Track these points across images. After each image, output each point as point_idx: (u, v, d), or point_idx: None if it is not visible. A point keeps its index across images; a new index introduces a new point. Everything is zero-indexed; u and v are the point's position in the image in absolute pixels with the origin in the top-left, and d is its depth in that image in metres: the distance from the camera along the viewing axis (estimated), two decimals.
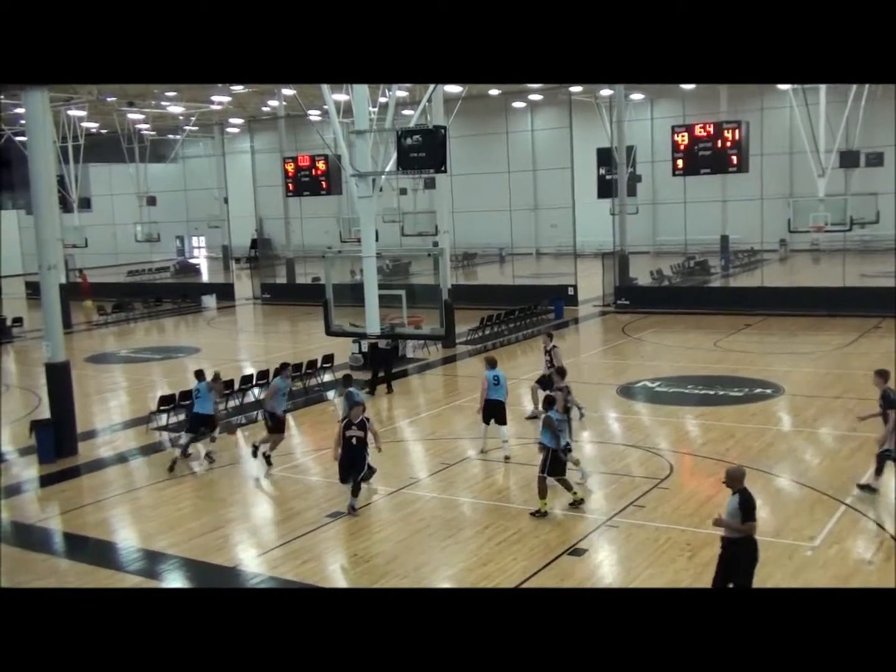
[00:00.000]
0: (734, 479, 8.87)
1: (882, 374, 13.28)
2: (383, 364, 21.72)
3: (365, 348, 22.81)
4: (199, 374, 16.58)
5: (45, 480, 15.76)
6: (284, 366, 16.74)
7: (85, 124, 44.34)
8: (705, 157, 26.13)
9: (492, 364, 15.95)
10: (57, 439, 16.78)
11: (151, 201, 48.02)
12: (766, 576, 10.42)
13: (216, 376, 16.80)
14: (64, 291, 24.09)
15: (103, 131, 52.33)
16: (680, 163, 26.77)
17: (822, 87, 28.42)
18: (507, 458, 15.39)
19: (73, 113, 41.55)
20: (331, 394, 21.78)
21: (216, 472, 15.92)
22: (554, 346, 17.90)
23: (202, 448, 16.37)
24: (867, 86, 31.10)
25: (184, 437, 16.48)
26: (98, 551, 12.63)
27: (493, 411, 15.58)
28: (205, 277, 56.00)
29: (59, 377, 17.25)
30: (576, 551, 11.54)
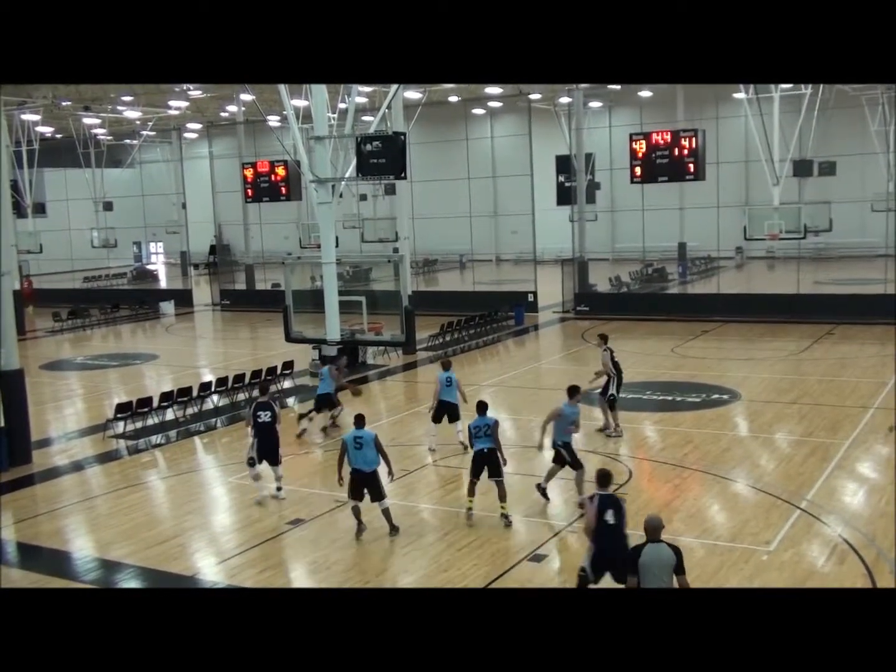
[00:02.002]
0: (649, 530, 8.08)
1: None
2: None
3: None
4: (324, 360, 18.36)
5: None
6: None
7: (40, 128, 43.74)
8: (663, 165, 26.38)
9: (445, 366, 16.55)
10: (10, 448, 16.51)
11: (108, 207, 47.47)
12: (723, 580, 10.55)
13: (339, 365, 18.58)
14: (18, 298, 23.73)
15: (58, 136, 51.64)
16: (638, 170, 26.99)
17: (776, 97, 28.84)
18: (462, 443, 15.88)
19: (27, 117, 40.96)
20: (290, 400, 21.68)
21: (174, 480, 15.79)
22: (606, 349, 17.00)
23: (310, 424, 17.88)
24: (820, 96, 31.65)
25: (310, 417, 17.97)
26: (53, 561, 12.43)
27: (445, 412, 16.23)
28: (163, 283, 55.46)
29: (12, 385, 16.97)
30: (536, 557, 11.58)
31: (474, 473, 12.85)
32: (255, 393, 21.39)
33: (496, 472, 12.74)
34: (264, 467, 14.13)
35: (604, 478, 9.44)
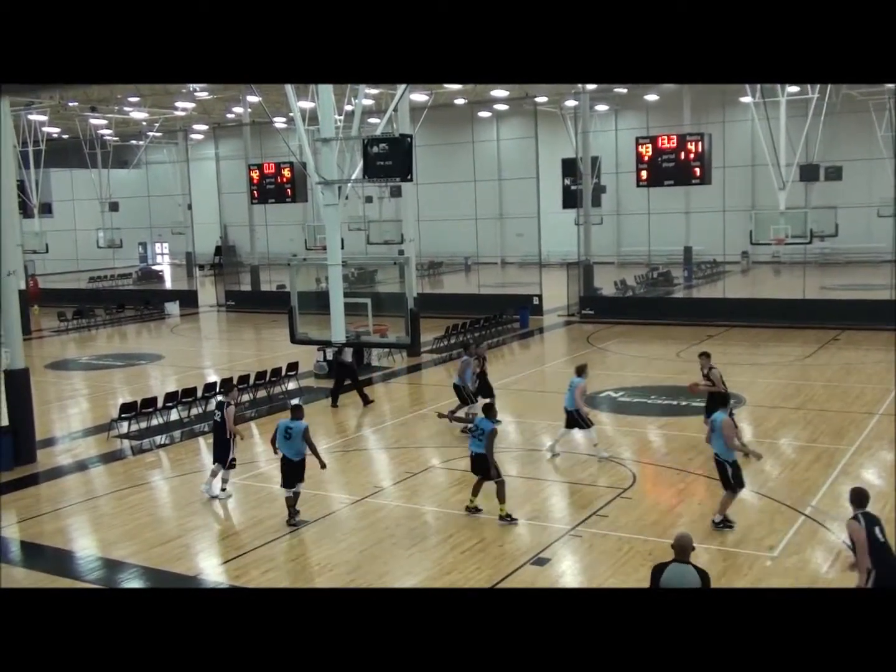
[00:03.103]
0: (677, 549, 7.54)
1: None
2: (345, 376, 21.61)
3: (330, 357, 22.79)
4: (466, 348, 18.87)
5: (3, 488, 15.49)
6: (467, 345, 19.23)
7: (46, 129, 43.82)
8: (669, 169, 26.35)
9: (577, 371, 16.03)
10: (15, 447, 16.54)
11: (114, 207, 47.56)
12: (726, 585, 10.52)
13: (476, 355, 18.44)
14: (24, 297, 23.78)
15: (65, 136, 51.76)
16: (644, 174, 26.95)
17: (783, 101, 28.81)
18: (600, 458, 15.65)
19: (33, 117, 41.07)
20: (295, 401, 21.65)
21: (178, 480, 15.79)
22: (712, 368, 15.98)
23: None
24: (826, 100, 31.63)
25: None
26: (56, 560, 12.46)
27: (569, 419, 15.88)
28: (168, 284, 55.54)
29: (18, 384, 17.00)
30: (539, 560, 11.57)
31: (473, 472, 13.25)
32: (261, 393, 21.50)
33: (486, 475, 12.95)
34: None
35: (863, 497, 8.78)
